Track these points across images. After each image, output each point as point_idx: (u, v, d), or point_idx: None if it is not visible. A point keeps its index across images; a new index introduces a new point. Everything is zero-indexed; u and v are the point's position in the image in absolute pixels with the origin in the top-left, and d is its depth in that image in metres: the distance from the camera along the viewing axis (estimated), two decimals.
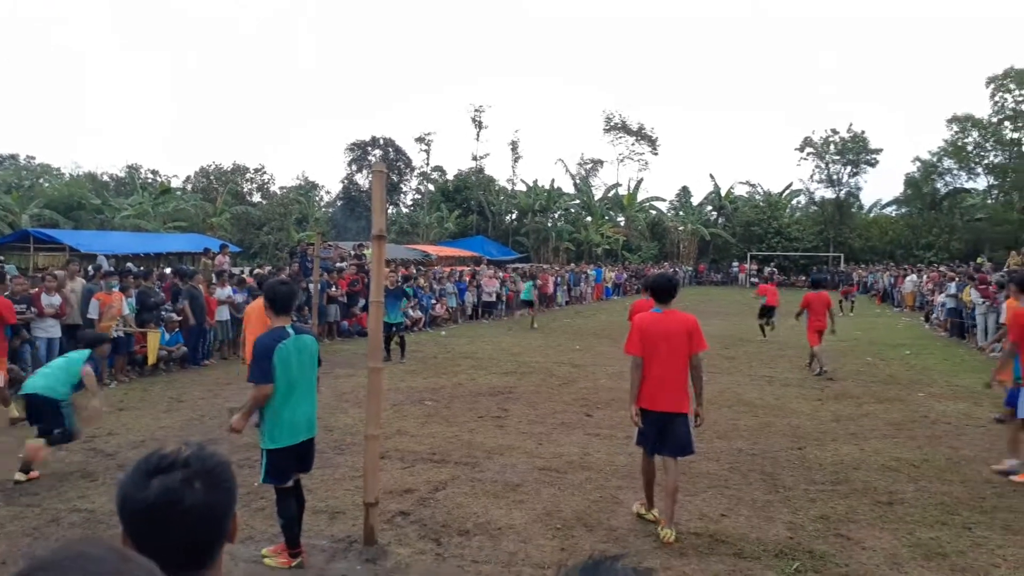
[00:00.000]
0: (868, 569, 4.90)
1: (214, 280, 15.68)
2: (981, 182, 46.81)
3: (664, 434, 5.47)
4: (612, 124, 58.72)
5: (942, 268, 29.00)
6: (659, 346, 5.44)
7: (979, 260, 31.87)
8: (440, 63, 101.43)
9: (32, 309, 11.10)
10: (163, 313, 13.29)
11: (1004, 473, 7.00)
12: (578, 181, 57.13)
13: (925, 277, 27.97)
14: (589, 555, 0.90)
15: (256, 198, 54.89)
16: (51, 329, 11.35)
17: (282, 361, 4.68)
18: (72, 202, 42.31)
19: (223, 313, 14.58)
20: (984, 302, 16.56)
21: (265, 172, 58.01)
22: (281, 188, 57.02)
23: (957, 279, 20.02)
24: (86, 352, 7.23)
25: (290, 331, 4.76)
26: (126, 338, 12.25)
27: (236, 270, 19.07)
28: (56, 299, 11.45)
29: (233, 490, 1.34)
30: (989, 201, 46.56)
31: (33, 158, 58.40)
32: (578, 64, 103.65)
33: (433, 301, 21.53)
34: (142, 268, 18.44)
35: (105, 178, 55.22)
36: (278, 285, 4.94)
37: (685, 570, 4.87)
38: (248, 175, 56.48)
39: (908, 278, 30.18)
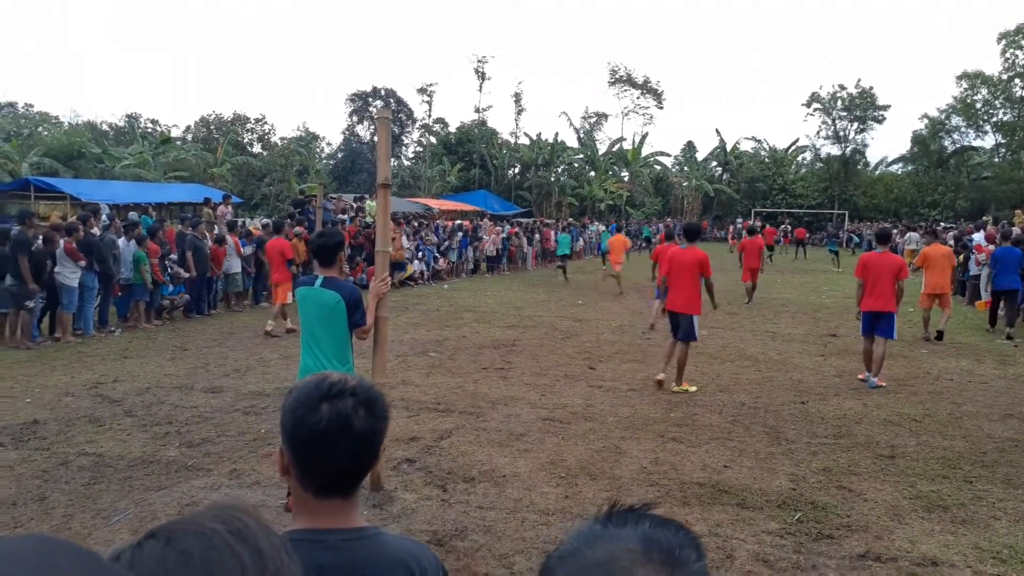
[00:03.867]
0: (869, 520, 4.95)
1: (216, 231, 15.59)
2: (989, 140, 46.44)
3: (678, 326, 8.38)
4: (617, 77, 57.96)
5: (942, 225, 28.84)
6: (678, 271, 8.33)
7: (985, 218, 31.73)
8: (442, 11, 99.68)
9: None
10: (168, 266, 13.21)
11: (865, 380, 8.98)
12: (582, 135, 56.58)
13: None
14: (611, 504, 0.86)
15: (257, 149, 54.39)
16: (74, 276, 11.23)
17: (300, 302, 4.84)
18: (72, 151, 41.92)
19: (235, 265, 14.52)
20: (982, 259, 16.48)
21: (266, 122, 57.39)
22: (282, 139, 56.42)
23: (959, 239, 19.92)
24: None
25: (317, 280, 4.77)
26: (141, 286, 12.27)
27: (239, 221, 18.99)
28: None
29: (388, 420, 1.43)
30: (996, 160, 46.22)
31: (32, 106, 57.82)
32: (584, 14, 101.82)
33: (436, 255, 21.49)
34: (155, 218, 18.29)
35: (104, 127, 54.68)
36: (315, 238, 5.04)
37: (688, 518, 4.91)
38: (249, 125, 55.85)
39: (908, 235, 29.93)
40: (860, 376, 9.15)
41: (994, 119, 44.59)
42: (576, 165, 53.91)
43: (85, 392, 8.01)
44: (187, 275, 13.32)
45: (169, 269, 13.17)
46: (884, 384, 8.80)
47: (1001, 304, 13.02)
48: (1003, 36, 42.55)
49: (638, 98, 58.55)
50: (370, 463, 1.41)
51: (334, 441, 1.33)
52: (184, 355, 10.16)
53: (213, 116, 54.46)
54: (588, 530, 0.81)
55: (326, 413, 1.33)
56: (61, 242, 11.03)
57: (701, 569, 0.77)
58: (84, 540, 4.50)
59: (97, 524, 4.72)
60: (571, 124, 58.16)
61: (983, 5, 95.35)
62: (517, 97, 54.72)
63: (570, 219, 39.52)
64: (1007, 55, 42.69)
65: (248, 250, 14.86)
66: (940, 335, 11.92)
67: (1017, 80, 42.79)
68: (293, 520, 1.42)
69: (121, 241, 12.29)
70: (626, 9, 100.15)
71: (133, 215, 18.33)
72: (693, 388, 8.46)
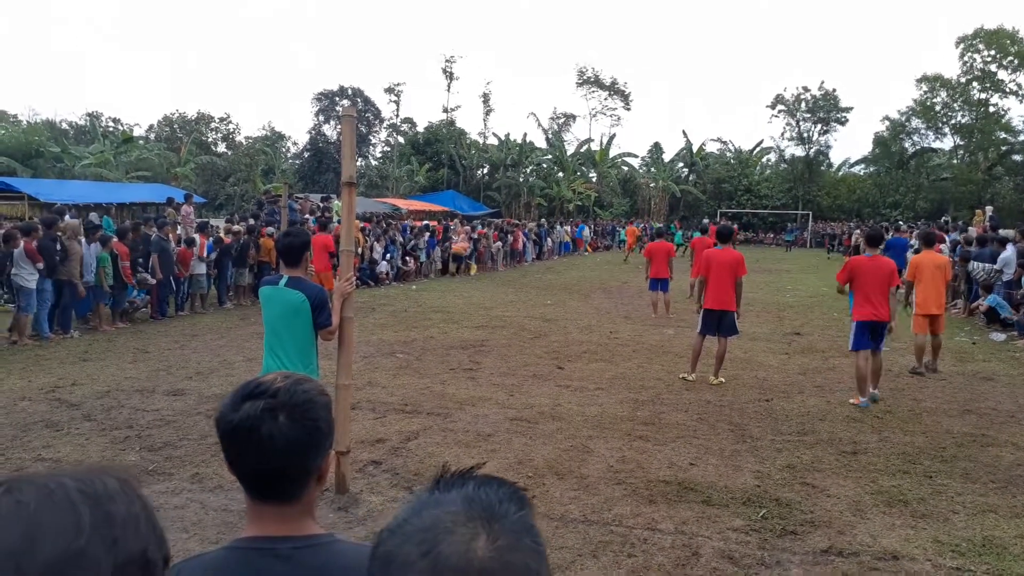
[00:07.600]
0: (832, 516, 5.01)
1: (181, 233, 15.34)
2: (948, 142, 47.37)
3: (720, 323, 8.83)
4: (585, 78, 58.25)
5: (906, 225, 29.33)
6: (717, 270, 8.73)
7: (944, 219, 32.39)
8: (410, 10, 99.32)
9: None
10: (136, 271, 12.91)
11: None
12: (550, 136, 56.69)
13: (891, 235, 28.26)
14: (439, 472, 0.86)
15: (221, 148, 53.74)
16: (32, 278, 10.93)
17: (264, 302, 4.78)
18: (30, 150, 40.97)
19: (199, 266, 14.31)
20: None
21: (230, 121, 56.85)
22: (247, 138, 55.81)
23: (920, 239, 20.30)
24: None
25: (282, 280, 4.71)
26: (102, 288, 11.99)
27: (208, 222, 18.68)
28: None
29: (319, 429, 1.35)
30: (955, 161, 47.15)
31: None
32: (552, 15, 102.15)
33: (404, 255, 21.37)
34: (124, 222, 17.92)
35: (64, 126, 53.67)
36: (281, 238, 5.00)
37: (654, 516, 4.93)
38: (213, 124, 55.18)
39: (855, 233, 30.14)
40: (854, 401, 7.94)
41: (952, 121, 45.52)
42: (544, 166, 53.95)
43: (42, 396, 7.82)
44: (153, 281, 13.09)
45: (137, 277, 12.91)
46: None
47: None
48: (961, 40, 43.50)
49: (605, 99, 59.00)
50: (293, 470, 1.32)
51: (243, 443, 1.30)
52: (145, 357, 9.98)
53: (177, 115, 53.82)
54: (416, 500, 0.84)
55: (240, 413, 1.30)
56: (21, 243, 10.76)
57: (521, 519, 0.79)
58: None
59: None
60: (539, 125, 58.29)
61: (943, 10, 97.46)
62: (485, 97, 54.88)
63: (542, 219, 39.61)
64: (965, 59, 43.66)
65: (212, 255, 14.64)
66: (934, 370, 9.74)
67: (975, 83, 43.75)
68: (245, 526, 1.38)
69: (83, 243, 12.01)
70: (594, 10, 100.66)
71: (93, 216, 17.93)
72: (723, 380, 8.92)
